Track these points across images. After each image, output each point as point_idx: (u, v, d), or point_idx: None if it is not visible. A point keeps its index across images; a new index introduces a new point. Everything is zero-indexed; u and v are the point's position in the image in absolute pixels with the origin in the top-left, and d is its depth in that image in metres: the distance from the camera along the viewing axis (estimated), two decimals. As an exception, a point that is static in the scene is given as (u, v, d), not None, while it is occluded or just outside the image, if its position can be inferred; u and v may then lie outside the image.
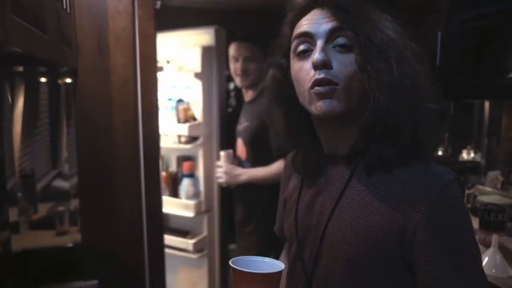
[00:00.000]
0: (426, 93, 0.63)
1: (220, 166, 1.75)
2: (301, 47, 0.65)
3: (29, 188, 1.73)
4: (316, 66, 0.62)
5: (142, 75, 1.47)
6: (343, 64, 0.62)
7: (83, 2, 1.34)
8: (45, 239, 1.58)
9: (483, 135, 1.97)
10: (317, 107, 0.63)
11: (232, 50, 1.76)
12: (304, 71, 0.65)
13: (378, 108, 0.60)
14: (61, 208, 1.66)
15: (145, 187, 1.51)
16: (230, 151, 1.78)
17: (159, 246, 1.57)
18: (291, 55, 0.68)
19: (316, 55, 0.61)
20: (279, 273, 0.58)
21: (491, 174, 1.77)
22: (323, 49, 0.62)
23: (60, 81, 1.63)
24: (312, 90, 0.63)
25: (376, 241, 0.61)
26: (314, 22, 0.64)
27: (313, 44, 0.64)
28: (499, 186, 1.70)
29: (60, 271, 1.44)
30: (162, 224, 1.60)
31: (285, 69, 0.71)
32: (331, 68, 0.62)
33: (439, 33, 1.54)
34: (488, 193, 1.66)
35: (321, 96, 0.62)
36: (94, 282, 1.37)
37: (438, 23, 1.54)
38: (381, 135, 0.63)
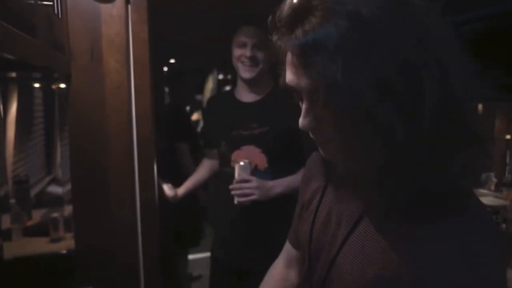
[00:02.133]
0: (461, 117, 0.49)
1: (246, 180, 1.40)
2: (296, 97, 0.58)
3: (23, 195, 1.72)
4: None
5: (136, 79, 1.46)
6: (328, 123, 0.53)
7: (75, 7, 1.33)
8: (39, 246, 1.57)
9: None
10: (319, 150, 0.60)
11: (239, 34, 1.50)
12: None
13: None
14: (55, 214, 1.65)
15: (139, 192, 1.50)
16: (248, 161, 1.44)
17: (155, 251, 1.55)
18: None
19: (300, 120, 0.55)
20: None
21: (485, 175, 1.78)
22: (307, 112, 0.54)
23: (53, 87, 1.63)
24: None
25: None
26: (293, 72, 0.53)
27: (301, 97, 0.55)
28: (492, 187, 1.71)
29: (54, 279, 1.42)
30: (157, 229, 1.59)
31: None
32: (318, 129, 0.55)
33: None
34: (482, 195, 1.67)
35: (318, 145, 0.59)
36: (88, 288, 1.36)
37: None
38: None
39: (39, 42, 0.91)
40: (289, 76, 0.54)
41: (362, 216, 0.59)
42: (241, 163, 1.42)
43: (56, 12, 0.99)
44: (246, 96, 1.56)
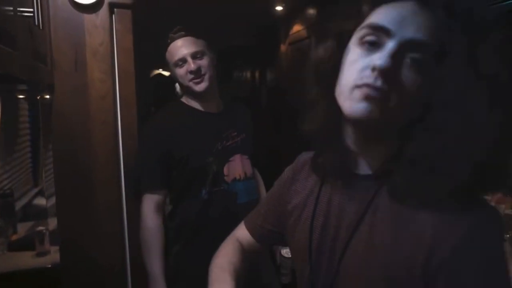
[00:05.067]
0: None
1: None
2: (369, 38, 0.53)
3: (8, 208, 1.68)
4: (374, 69, 0.51)
5: (121, 90, 1.45)
6: (406, 81, 0.50)
7: (58, 17, 1.32)
8: (25, 260, 1.54)
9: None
10: (352, 107, 0.53)
11: (173, 52, 1.38)
12: (359, 64, 0.53)
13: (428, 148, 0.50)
14: (40, 228, 1.62)
15: (126, 205, 1.48)
16: None
17: (142, 265, 1.53)
18: (354, 38, 0.56)
19: (381, 61, 0.50)
20: None
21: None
22: (393, 56, 0.50)
23: (37, 98, 1.60)
24: (358, 89, 0.52)
25: (396, 280, 0.53)
26: (400, 18, 0.51)
27: (384, 40, 0.52)
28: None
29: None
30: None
31: (341, 45, 0.58)
32: (391, 82, 0.50)
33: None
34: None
35: (363, 98, 0.52)
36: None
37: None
38: (414, 162, 0.52)
39: (20, 54, 0.90)
40: (388, 21, 0.52)
41: (364, 214, 0.58)
42: None
43: (36, 23, 0.98)
44: (207, 106, 1.43)
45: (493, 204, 1.59)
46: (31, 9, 0.92)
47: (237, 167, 1.40)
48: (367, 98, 0.51)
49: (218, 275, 0.72)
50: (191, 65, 1.34)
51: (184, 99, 1.46)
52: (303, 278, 0.67)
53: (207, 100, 1.42)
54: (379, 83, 0.50)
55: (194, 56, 1.36)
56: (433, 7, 0.51)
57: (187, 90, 1.41)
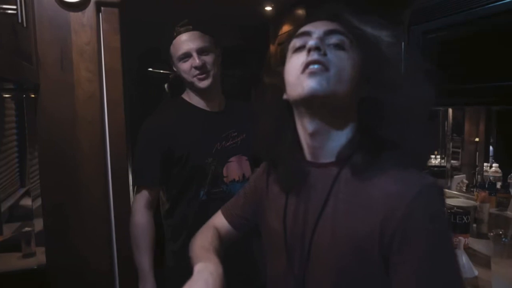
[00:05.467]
0: (417, 98, 0.65)
1: None
2: (298, 44, 0.68)
3: (-7, 209, 1.66)
4: (310, 49, 0.64)
5: (108, 89, 1.44)
6: (337, 56, 0.65)
7: (43, 15, 1.31)
8: (11, 262, 1.51)
9: (447, 140, 2.04)
10: (304, 86, 0.63)
11: (178, 46, 1.33)
12: (297, 60, 0.66)
13: (369, 110, 0.65)
14: (27, 229, 1.59)
15: (113, 206, 1.47)
16: None
17: (130, 265, 1.52)
18: (288, 55, 0.70)
19: (310, 41, 0.64)
20: None
21: (457, 177, 1.83)
22: (319, 38, 0.65)
23: (22, 97, 1.58)
24: (303, 73, 0.64)
25: (360, 251, 0.61)
26: (313, 25, 0.69)
27: (309, 39, 0.66)
28: (464, 189, 1.76)
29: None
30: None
31: (282, 77, 0.71)
32: (324, 54, 0.64)
33: (403, 43, 1.60)
34: (454, 197, 1.72)
35: (311, 75, 0.63)
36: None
37: (401, 34, 1.59)
38: (367, 142, 0.65)
39: (2, 53, 0.88)
40: (306, 28, 0.69)
41: (328, 198, 0.66)
42: None
43: (20, 21, 0.97)
44: (209, 104, 1.40)
45: (478, 203, 1.62)
46: (15, 7, 0.91)
47: (235, 168, 1.38)
48: (312, 73, 0.63)
49: (201, 253, 0.76)
50: (196, 60, 1.30)
51: (185, 96, 1.42)
52: (280, 266, 0.73)
53: (209, 98, 1.39)
54: (316, 56, 0.63)
55: (200, 51, 1.32)
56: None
57: (190, 86, 1.38)
